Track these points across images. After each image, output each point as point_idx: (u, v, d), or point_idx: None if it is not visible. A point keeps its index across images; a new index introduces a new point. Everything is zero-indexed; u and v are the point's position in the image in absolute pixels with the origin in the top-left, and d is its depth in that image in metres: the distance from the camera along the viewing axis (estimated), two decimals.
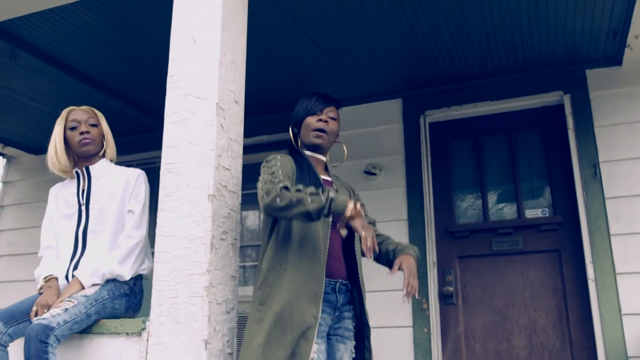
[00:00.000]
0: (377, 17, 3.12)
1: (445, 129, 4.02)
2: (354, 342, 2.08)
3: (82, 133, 2.39)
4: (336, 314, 2.04)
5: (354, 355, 2.07)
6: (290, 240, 1.96)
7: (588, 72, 3.68)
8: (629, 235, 3.35)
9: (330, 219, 2.01)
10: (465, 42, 3.41)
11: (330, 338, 2.03)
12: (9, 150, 4.93)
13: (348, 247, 2.12)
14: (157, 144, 4.39)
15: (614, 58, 3.59)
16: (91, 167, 2.43)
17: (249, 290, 4.09)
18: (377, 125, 4.09)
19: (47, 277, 2.25)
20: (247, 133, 2.46)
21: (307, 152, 2.20)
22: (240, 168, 2.20)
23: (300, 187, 1.85)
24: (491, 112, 3.91)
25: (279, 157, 2.04)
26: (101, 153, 2.47)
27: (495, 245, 3.69)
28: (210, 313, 1.89)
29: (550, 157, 3.74)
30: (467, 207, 3.89)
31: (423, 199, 3.83)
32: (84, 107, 2.49)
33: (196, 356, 1.85)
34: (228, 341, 1.98)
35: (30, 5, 2.89)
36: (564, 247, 3.56)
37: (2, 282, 4.74)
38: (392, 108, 4.06)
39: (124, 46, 3.42)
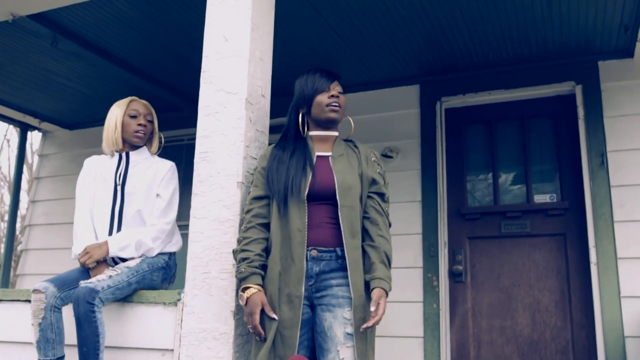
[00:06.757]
0: (396, 10, 3.28)
1: (460, 115, 4.19)
2: (347, 309, 1.98)
3: (140, 124, 2.64)
4: (312, 283, 2.03)
5: (350, 322, 1.97)
6: None
7: (600, 63, 3.80)
8: (631, 222, 3.52)
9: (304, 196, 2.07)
10: (480, 35, 3.55)
11: (315, 307, 2.04)
12: (45, 125, 5.21)
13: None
14: (185, 123, 4.69)
15: (626, 50, 3.71)
16: (131, 153, 2.67)
17: None
18: (395, 110, 4.27)
19: None
20: (270, 114, 2.56)
21: (316, 132, 2.22)
22: None
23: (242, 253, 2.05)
24: (505, 100, 4.06)
25: (255, 177, 2.18)
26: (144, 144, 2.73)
27: (504, 227, 3.88)
28: (238, 287, 2.14)
29: (560, 145, 3.90)
30: (479, 190, 4.07)
31: (437, 181, 4.03)
32: (144, 102, 2.74)
33: (225, 324, 2.10)
34: None
35: None
36: (569, 232, 3.74)
37: (40, 249, 5.08)
38: (410, 94, 4.23)
39: (157, 34, 3.63)
